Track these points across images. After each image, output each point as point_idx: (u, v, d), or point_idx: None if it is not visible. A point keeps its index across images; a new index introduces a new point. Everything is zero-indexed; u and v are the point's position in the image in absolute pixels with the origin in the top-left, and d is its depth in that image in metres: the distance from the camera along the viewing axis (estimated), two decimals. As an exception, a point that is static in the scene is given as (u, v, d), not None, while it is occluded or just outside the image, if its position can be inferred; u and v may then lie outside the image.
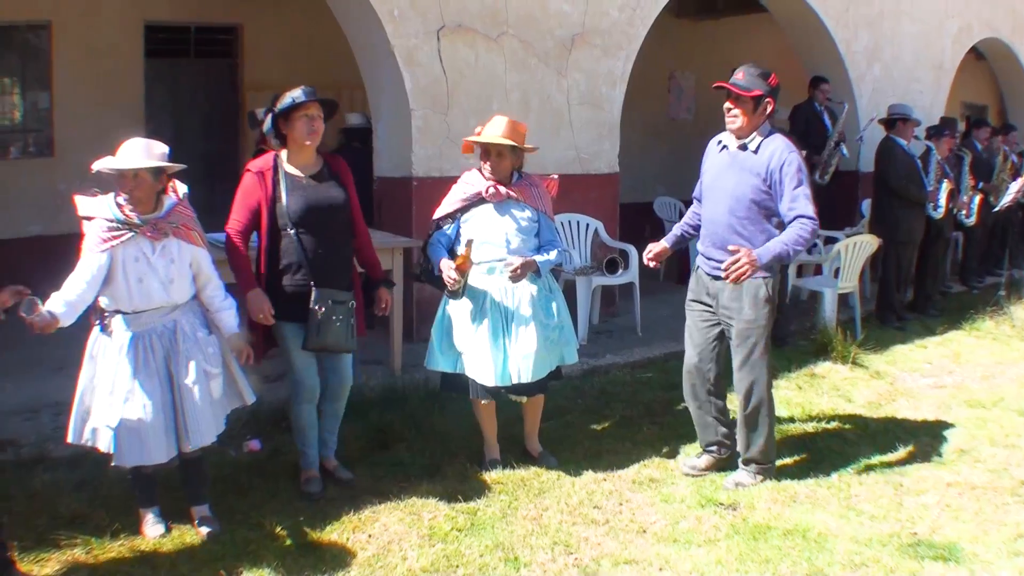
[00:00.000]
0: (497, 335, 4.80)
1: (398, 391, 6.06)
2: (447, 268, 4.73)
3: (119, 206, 3.96)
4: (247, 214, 4.50)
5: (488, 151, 4.88)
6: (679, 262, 9.56)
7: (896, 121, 8.74)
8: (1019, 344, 8.18)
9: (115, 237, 3.92)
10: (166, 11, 9.76)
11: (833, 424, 5.91)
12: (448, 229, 4.97)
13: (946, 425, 5.94)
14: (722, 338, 4.90)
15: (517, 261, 4.76)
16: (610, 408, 6.15)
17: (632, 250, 7.97)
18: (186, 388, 4.03)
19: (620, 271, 7.69)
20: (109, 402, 3.95)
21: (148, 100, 9.72)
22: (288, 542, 4.19)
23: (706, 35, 12.83)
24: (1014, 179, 10.65)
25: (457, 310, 4.90)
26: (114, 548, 4.07)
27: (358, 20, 7.25)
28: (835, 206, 10.24)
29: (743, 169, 4.72)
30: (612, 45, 8.24)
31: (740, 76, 4.70)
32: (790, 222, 4.61)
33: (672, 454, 5.31)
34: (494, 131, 4.84)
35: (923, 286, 9.36)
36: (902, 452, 5.41)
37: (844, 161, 10.04)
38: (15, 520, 4.21)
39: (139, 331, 4.00)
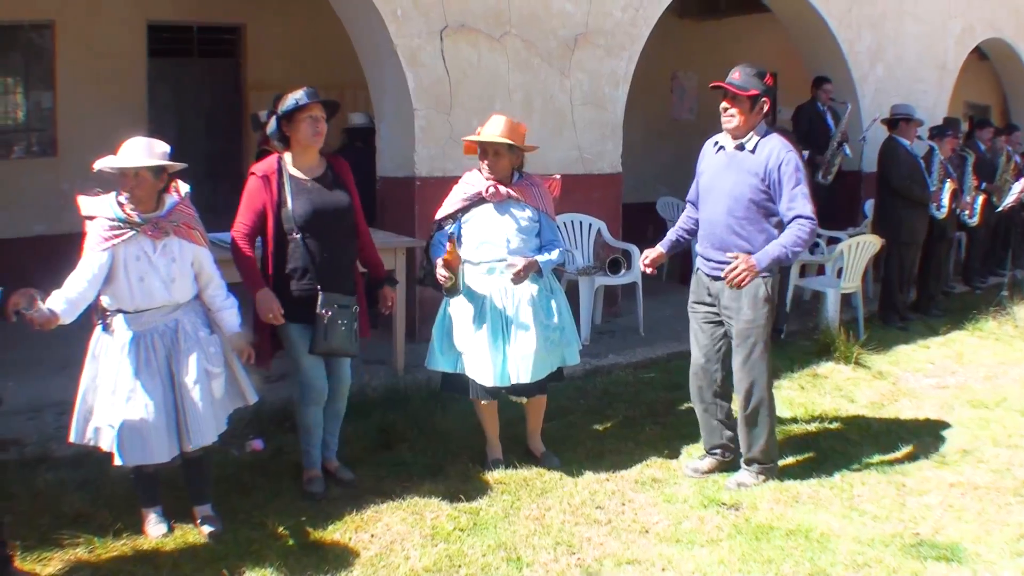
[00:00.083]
0: (497, 335, 4.80)
1: (400, 391, 6.07)
2: (438, 266, 4.74)
3: (120, 205, 3.96)
4: (253, 217, 4.50)
5: (486, 150, 4.89)
6: (681, 262, 9.56)
7: (899, 121, 8.72)
8: (1022, 344, 8.17)
9: (116, 236, 3.93)
10: (169, 11, 9.77)
11: (836, 424, 5.91)
12: (449, 229, 4.97)
13: (949, 425, 5.93)
14: (727, 338, 4.90)
15: (519, 263, 4.76)
16: (613, 408, 6.15)
17: (635, 250, 7.96)
18: (187, 387, 4.03)
19: (623, 271, 7.68)
20: (111, 401, 3.96)
21: (151, 100, 9.72)
22: (291, 542, 4.19)
23: (709, 35, 12.82)
24: (1017, 179, 10.64)
25: (457, 310, 4.90)
26: (117, 547, 4.08)
27: (361, 20, 7.26)
28: (838, 206, 10.25)
29: (741, 169, 4.72)
30: (615, 45, 8.23)
31: (736, 76, 4.71)
32: (789, 222, 4.62)
33: (674, 455, 5.31)
34: (491, 130, 4.85)
35: (926, 286, 9.34)
36: (905, 452, 5.41)
37: (847, 161, 10.05)
38: (18, 519, 4.21)
39: (141, 330, 4.01)
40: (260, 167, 4.57)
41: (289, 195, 4.49)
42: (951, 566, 4.01)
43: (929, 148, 9.09)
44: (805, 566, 4.00)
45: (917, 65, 11.49)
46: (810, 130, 9.87)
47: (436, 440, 5.42)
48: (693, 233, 5.10)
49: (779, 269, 4.78)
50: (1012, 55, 13.52)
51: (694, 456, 5.21)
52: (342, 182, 4.68)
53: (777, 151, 4.65)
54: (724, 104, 4.74)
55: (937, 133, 9.27)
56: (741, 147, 4.75)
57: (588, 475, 4.95)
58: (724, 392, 5.00)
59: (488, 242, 4.87)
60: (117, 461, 3.95)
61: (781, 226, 4.69)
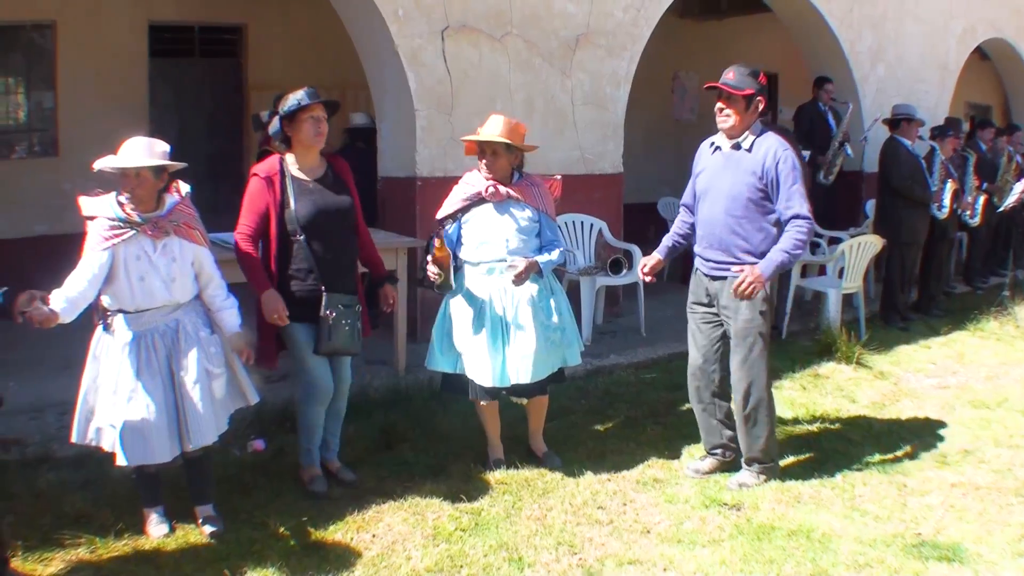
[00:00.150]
0: (496, 336, 4.80)
1: (402, 391, 6.07)
2: (427, 263, 4.74)
3: (120, 205, 3.97)
4: (256, 219, 4.50)
5: (484, 150, 4.89)
6: (682, 262, 9.55)
7: (900, 121, 8.72)
8: (1023, 344, 8.16)
9: (116, 235, 3.93)
10: (171, 11, 9.77)
11: (837, 424, 5.91)
12: (450, 229, 4.97)
13: (950, 426, 5.93)
14: (725, 339, 4.90)
15: (520, 264, 4.76)
16: (614, 408, 6.15)
17: (636, 250, 7.98)
18: (188, 387, 4.03)
19: (624, 271, 7.68)
20: (113, 402, 3.96)
21: (152, 100, 9.72)
22: (292, 542, 4.19)
23: (710, 35, 12.82)
24: (1018, 179, 10.63)
25: (457, 311, 4.90)
26: (118, 547, 4.08)
27: (362, 20, 7.26)
28: (839, 206, 10.26)
29: (739, 168, 4.74)
30: (616, 46, 8.23)
31: (731, 76, 4.72)
32: (787, 221, 4.64)
33: (676, 455, 5.31)
34: (489, 130, 4.85)
35: (927, 286, 9.34)
36: (906, 452, 5.41)
37: (848, 161, 10.05)
38: (20, 519, 4.22)
39: (141, 330, 4.01)
40: (262, 168, 4.57)
41: (292, 196, 4.49)
42: (952, 566, 4.01)
43: (930, 148, 9.09)
44: (807, 566, 3.99)
45: (918, 65, 11.49)
46: (811, 130, 9.87)
47: (438, 440, 5.42)
48: (688, 237, 5.12)
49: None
50: (1013, 55, 13.52)
51: (695, 456, 5.21)
52: (343, 182, 4.69)
53: (774, 149, 4.67)
54: (719, 104, 4.76)
55: (938, 133, 9.27)
56: (738, 147, 4.76)
57: (590, 475, 4.95)
58: (723, 392, 5.00)
59: (488, 242, 4.87)
60: (119, 461, 3.95)
61: (779, 224, 4.70)
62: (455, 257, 4.94)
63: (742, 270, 4.60)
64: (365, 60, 7.59)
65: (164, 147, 4.03)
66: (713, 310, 4.90)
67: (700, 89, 13.05)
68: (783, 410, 6.04)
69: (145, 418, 3.92)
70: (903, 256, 8.70)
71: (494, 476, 4.93)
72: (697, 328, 5.00)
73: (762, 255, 4.68)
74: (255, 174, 4.56)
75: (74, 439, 4.10)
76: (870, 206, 9.98)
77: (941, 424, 5.96)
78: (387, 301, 4.91)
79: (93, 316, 4.06)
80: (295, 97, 4.45)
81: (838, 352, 7.29)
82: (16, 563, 3.88)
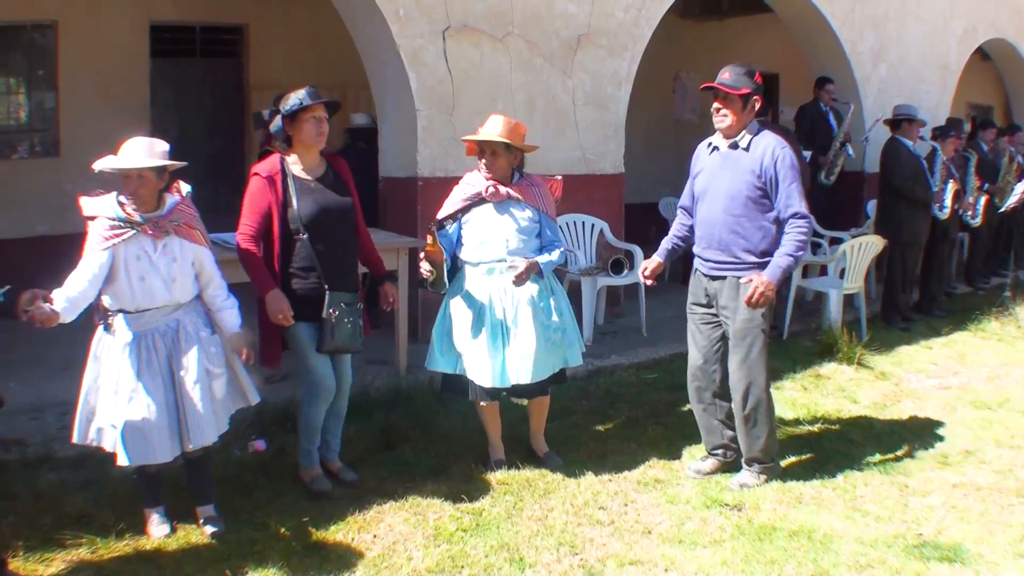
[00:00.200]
0: (496, 336, 4.80)
1: (403, 391, 6.07)
2: (420, 260, 4.73)
3: (120, 204, 3.97)
4: (258, 218, 4.50)
5: (483, 149, 4.89)
6: (684, 263, 9.54)
7: (901, 122, 8.71)
8: (1025, 345, 8.17)
9: (116, 235, 3.93)
10: (172, 11, 9.77)
11: (838, 425, 5.91)
12: (450, 230, 4.97)
13: (951, 426, 5.92)
14: (725, 339, 4.90)
15: (520, 264, 4.76)
16: (615, 409, 6.15)
17: (637, 251, 7.97)
18: (188, 387, 4.03)
19: (625, 272, 7.68)
20: (113, 402, 3.96)
21: (153, 100, 9.72)
22: (293, 542, 4.18)
23: (711, 36, 12.81)
24: (1020, 180, 10.63)
25: (457, 311, 4.90)
26: (119, 548, 4.08)
27: (364, 20, 7.26)
28: (840, 207, 10.26)
29: (737, 168, 4.75)
30: (617, 46, 8.23)
31: (727, 75, 4.73)
32: (786, 220, 4.66)
33: (677, 455, 5.30)
34: (489, 130, 4.86)
35: (928, 287, 9.34)
36: (907, 453, 5.41)
37: (849, 161, 10.05)
38: (21, 520, 4.23)
39: (142, 330, 4.01)
40: (263, 168, 4.57)
41: (294, 195, 4.50)
42: (954, 567, 4.01)
43: (932, 148, 9.08)
44: (808, 567, 3.99)
45: (920, 65, 11.49)
46: (812, 130, 9.87)
47: (439, 440, 5.42)
48: (687, 239, 5.12)
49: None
50: (1014, 56, 13.52)
51: (696, 457, 5.21)
52: (343, 182, 4.71)
53: (772, 148, 4.69)
54: (716, 104, 4.77)
55: (940, 134, 9.27)
56: (735, 146, 4.77)
57: (591, 476, 4.95)
58: (723, 392, 5.00)
59: (488, 242, 4.87)
60: (121, 461, 3.95)
61: (778, 222, 4.71)
62: (455, 257, 4.94)
63: (751, 280, 4.61)
64: (366, 60, 7.59)
65: (164, 146, 4.03)
66: (712, 310, 4.90)
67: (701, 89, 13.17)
68: (784, 411, 6.04)
69: (146, 418, 3.92)
70: (904, 256, 8.69)
71: (495, 476, 4.92)
72: (697, 329, 5.01)
73: (763, 254, 4.70)
74: (256, 173, 4.55)
75: (75, 439, 4.10)
76: (871, 206, 9.98)
77: (942, 425, 5.96)
78: (387, 300, 4.92)
79: (94, 316, 4.06)
80: (297, 97, 4.45)
81: (839, 353, 7.29)
82: (17, 563, 3.88)
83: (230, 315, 4.23)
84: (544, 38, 7.77)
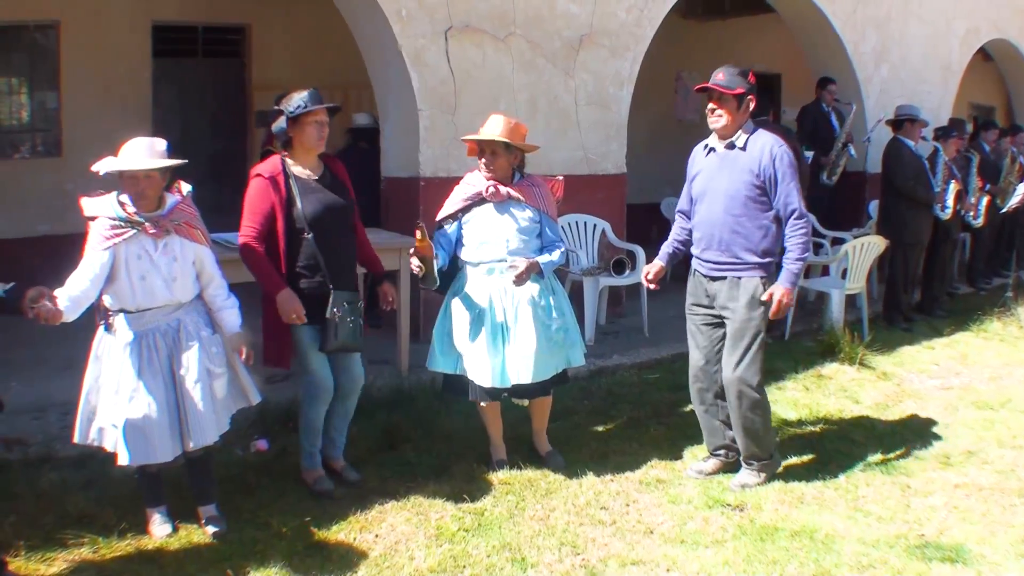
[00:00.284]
0: (496, 336, 4.80)
1: (405, 391, 6.06)
2: (410, 255, 4.73)
3: (121, 204, 3.97)
4: (261, 219, 4.50)
5: (483, 149, 4.89)
6: (686, 263, 9.54)
7: (904, 122, 8.71)
8: (1027, 345, 8.17)
9: (117, 235, 3.93)
10: (174, 11, 9.78)
11: (840, 425, 5.90)
12: (450, 230, 4.97)
13: (953, 426, 5.92)
14: (725, 339, 4.90)
15: (521, 264, 4.76)
16: (617, 409, 6.15)
17: (639, 251, 7.97)
18: (189, 387, 4.03)
19: (627, 272, 7.68)
20: (115, 401, 3.96)
21: (156, 100, 9.73)
22: (295, 542, 4.19)
23: (713, 36, 12.80)
24: (1022, 181, 10.61)
25: (457, 311, 4.90)
26: (121, 547, 4.08)
27: (366, 20, 7.26)
28: (842, 207, 10.25)
29: (735, 167, 4.76)
30: (619, 46, 8.23)
31: (721, 76, 4.75)
32: (786, 219, 4.70)
33: (679, 455, 5.30)
34: (489, 130, 4.86)
35: (930, 287, 9.33)
36: (909, 453, 5.40)
37: (851, 162, 10.04)
38: (22, 519, 4.22)
39: (143, 330, 4.01)
40: (265, 168, 4.57)
41: (297, 195, 4.50)
42: (956, 567, 4.01)
43: (934, 149, 9.07)
44: (810, 567, 3.99)
45: (922, 66, 11.48)
46: (814, 131, 9.87)
47: (441, 440, 5.42)
48: (687, 243, 5.12)
49: (776, 269, 4.81)
50: (1017, 56, 13.51)
51: (698, 457, 5.21)
52: (340, 182, 4.73)
53: (770, 146, 4.71)
54: (711, 105, 4.79)
55: (942, 134, 9.26)
56: (732, 146, 4.79)
57: (592, 476, 4.95)
58: (724, 393, 5.00)
59: (488, 242, 4.87)
60: (122, 460, 3.95)
61: (777, 220, 4.74)
62: (455, 257, 4.94)
63: (771, 296, 4.66)
64: (368, 60, 7.59)
65: (163, 144, 4.04)
66: (713, 311, 4.91)
67: (703, 89, 13.16)
68: (786, 411, 6.04)
69: (147, 417, 3.92)
70: (906, 257, 8.68)
71: (497, 476, 4.92)
72: (697, 329, 5.01)
73: (763, 253, 4.73)
74: (258, 174, 4.55)
75: (76, 439, 4.10)
76: (873, 207, 9.97)
77: (944, 425, 5.95)
78: (386, 300, 4.91)
79: (95, 316, 4.06)
80: (299, 98, 4.46)
81: (841, 353, 7.28)
82: (19, 563, 3.88)
83: (230, 315, 4.24)
84: (546, 38, 7.77)
